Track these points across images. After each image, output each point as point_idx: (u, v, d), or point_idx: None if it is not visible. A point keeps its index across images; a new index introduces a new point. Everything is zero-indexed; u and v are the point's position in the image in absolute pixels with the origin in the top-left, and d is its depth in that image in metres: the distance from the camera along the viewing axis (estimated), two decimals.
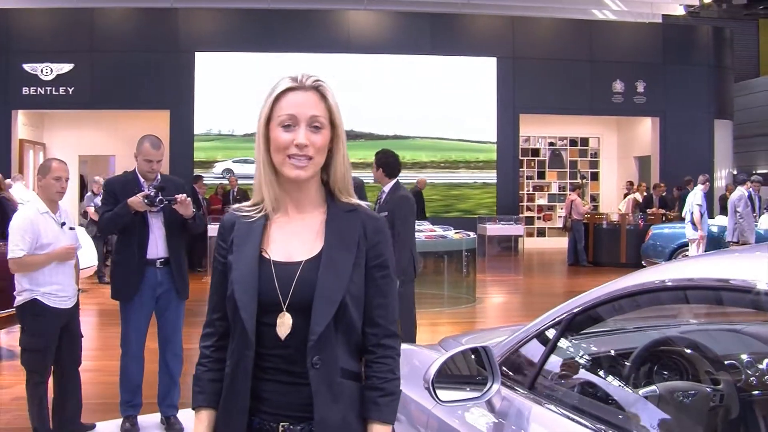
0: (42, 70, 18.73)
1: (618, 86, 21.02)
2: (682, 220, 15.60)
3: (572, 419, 2.50)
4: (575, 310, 2.71)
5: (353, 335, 2.19)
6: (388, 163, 7.38)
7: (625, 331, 3.24)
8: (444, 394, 2.67)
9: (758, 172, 24.16)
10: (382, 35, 20.08)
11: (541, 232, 23.54)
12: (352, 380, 2.20)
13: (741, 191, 13.21)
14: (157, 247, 5.70)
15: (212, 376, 2.26)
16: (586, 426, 2.43)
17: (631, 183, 21.11)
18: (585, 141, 23.76)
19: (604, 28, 21.50)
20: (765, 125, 26.47)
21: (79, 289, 5.69)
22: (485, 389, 2.65)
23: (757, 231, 13.36)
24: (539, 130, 22.94)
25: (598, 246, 18.53)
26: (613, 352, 3.05)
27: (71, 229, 5.57)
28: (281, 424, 2.14)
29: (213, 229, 15.45)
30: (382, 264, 2.24)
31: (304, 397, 2.11)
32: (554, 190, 23.72)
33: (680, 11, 23.60)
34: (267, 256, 2.20)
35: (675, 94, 21.10)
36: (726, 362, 2.76)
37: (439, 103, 20.09)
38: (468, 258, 12.67)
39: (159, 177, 5.79)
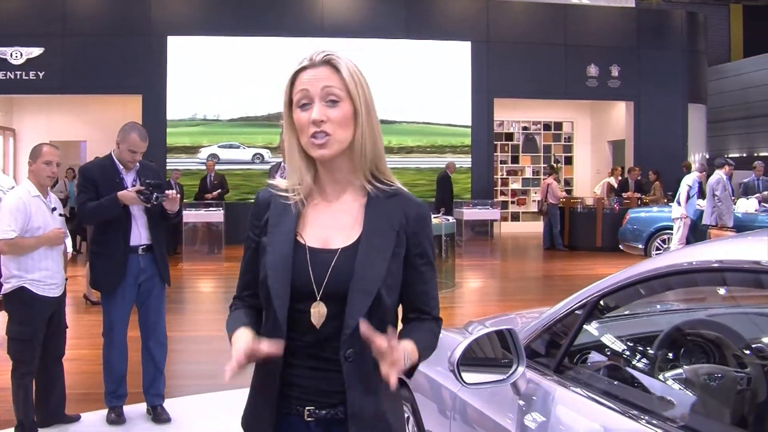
0: (11, 54, 18.33)
1: (592, 70, 21.01)
2: (663, 204, 15.75)
3: (598, 402, 2.48)
4: (601, 293, 2.68)
5: (387, 322, 2.09)
6: None
7: (651, 314, 3.23)
8: (469, 377, 2.66)
9: (730, 156, 24.34)
10: (357, 19, 19.90)
11: (515, 217, 23.59)
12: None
13: (719, 175, 13.26)
14: (140, 233, 5.59)
15: (244, 312, 2.21)
16: (612, 409, 2.41)
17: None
18: (559, 125, 23.82)
19: (579, 13, 21.48)
20: (737, 110, 26.65)
21: (66, 278, 5.54)
22: (510, 372, 2.63)
23: (735, 214, 13.39)
24: (513, 115, 22.95)
25: (573, 230, 18.56)
26: (639, 335, 3.01)
27: (61, 215, 5.44)
28: (307, 408, 2.09)
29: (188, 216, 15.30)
30: (423, 252, 2.18)
31: (333, 383, 2.06)
32: (528, 174, 23.75)
33: None
34: (302, 242, 2.12)
35: (649, 79, 21.14)
36: (753, 345, 2.69)
37: (412, 88, 19.98)
38: (447, 243, 12.61)
39: (137, 165, 5.67)
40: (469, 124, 20.65)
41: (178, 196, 5.67)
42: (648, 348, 2.81)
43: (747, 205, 13.97)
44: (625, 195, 18.49)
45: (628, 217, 15.34)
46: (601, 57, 21.03)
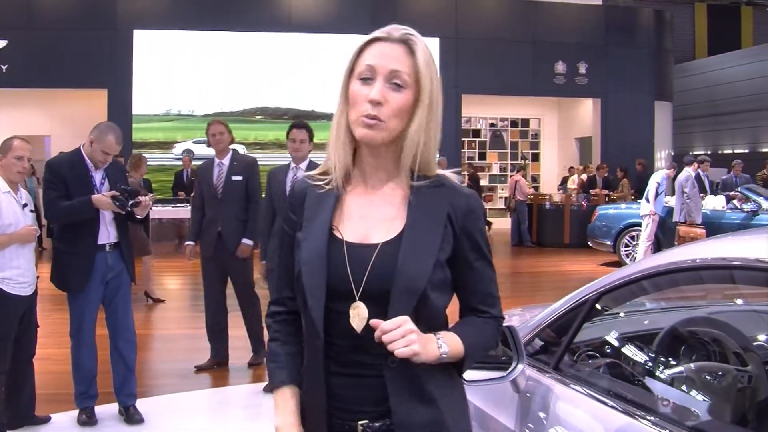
0: None
1: (560, 67, 21.09)
2: (630, 201, 15.82)
3: (598, 399, 2.44)
4: (602, 290, 2.64)
5: (436, 323, 1.94)
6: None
7: (651, 311, 3.20)
8: (468, 374, 2.55)
9: (695, 153, 24.55)
10: (324, 14, 19.77)
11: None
12: (443, 375, 1.97)
13: (688, 172, 13.31)
14: (107, 231, 5.49)
15: (290, 350, 2.05)
16: (612, 406, 2.38)
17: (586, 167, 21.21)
18: (526, 122, 23.89)
19: (547, 9, 21.51)
20: (701, 107, 26.90)
21: (37, 276, 5.39)
22: (510, 369, 2.55)
23: (704, 211, 13.46)
24: (480, 111, 22.96)
25: (541, 227, 18.60)
26: (639, 333, 2.98)
27: (32, 211, 5.29)
28: (360, 423, 1.92)
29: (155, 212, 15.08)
30: (475, 246, 1.99)
31: (378, 390, 1.89)
32: (495, 171, 23.75)
33: None
34: (339, 236, 1.95)
35: (616, 76, 21.25)
36: (755, 343, 2.69)
37: None
38: None
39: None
40: None
41: (151, 203, 5.59)
42: (648, 346, 2.77)
43: (715, 202, 14.04)
44: (592, 192, 18.56)
45: (597, 214, 15.37)
46: (568, 54, 21.10)
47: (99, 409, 5.62)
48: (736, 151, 24.98)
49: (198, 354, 7.12)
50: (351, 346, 1.90)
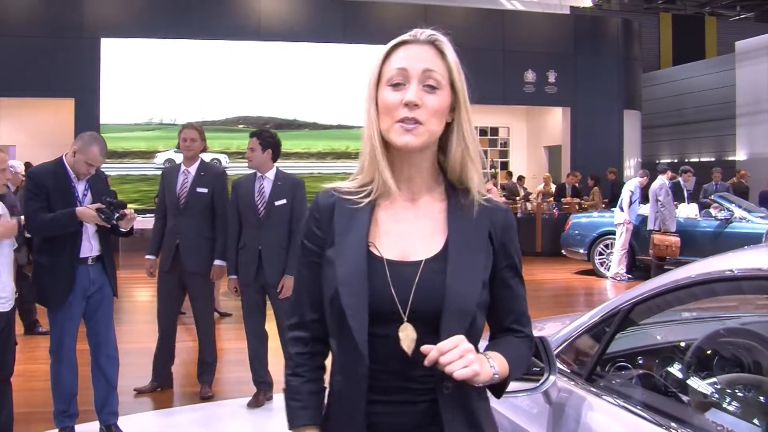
0: None
1: (530, 76, 21.14)
2: (602, 209, 15.83)
3: (631, 411, 2.40)
4: (634, 301, 2.59)
5: (476, 344, 1.83)
6: (276, 144, 6.28)
7: (684, 322, 3.17)
8: None
9: (662, 161, 24.71)
10: (294, 23, 19.66)
11: None
12: (482, 398, 1.89)
13: (662, 180, 13.35)
14: (90, 244, 5.31)
15: (313, 388, 1.93)
16: (645, 418, 2.33)
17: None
18: (495, 131, 23.93)
19: (517, 18, 21.58)
20: (668, 116, 27.10)
21: (16, 292, 5.18)
22: (542, 380, 2.49)
23: (678, 219, 13.50)
24: None
25: None
26: (672, 344, 2.96)
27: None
28: None
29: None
30: (512, 265, 1.93)
31: (420, 416, 1.79)
32: None
33: (587, 3, 23.89)
34: (378, 254, 1.82)
35: (585, 85, 21.37)
36: None
37: (348, 92, 19.83)
38: None
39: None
40: None
41: (136, 216, 5.39)
42: (681, 356, 2.72)
43: (688, 211, 14.09)
44: (564, 200, 18.57)
45: (571, 222, 15.36)
46: (538, 63, 21.16)
47: (79, 429, 5.43)
48: (702, 159, 25.19)
49: (179, 368, 6.94)
50: (393, 372, 1.78)
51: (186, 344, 6.59)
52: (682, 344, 2.83)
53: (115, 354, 5.50)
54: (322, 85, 19.61)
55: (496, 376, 1.79)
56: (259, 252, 6.04)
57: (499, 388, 1.88)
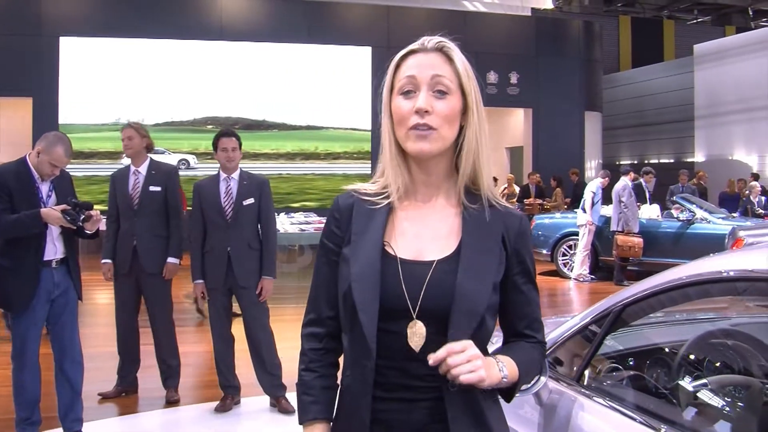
0: None
1: (492, 77, 21.16)
2: (564, 210, 15.89)
3: (620, 412, 2.43)
4: (624, 303, 2.61)
5: (483, 348, 1.86)
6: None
7: (674, 323, 3.19)
8: None
9: (622, 163, 24.93)
10: (256, 23, 19.53)
11: None
12: (491, 399, 1.91)
13: (625, 181, 13.41)
14: (54, 246, 5.17)
15: (325, 383, 1.96)
16: (635, 419, 2.36)
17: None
18: None
19: (479, 20, 21.61)
20: (628, 118, 27.34)
21: None
22: (533, 382, 2.51)
23: (640, 220, 13.58)
24: None
25: None
26: (662, 345, 2.99)
27: None
28: None
29: None
30: (525, 270, 1.96)
31: (425, 414, 1.82)
32: None
33: (548, 5, 24.02)
34: (392, 252, 1.87)
35: (547, 86, 21.47)
36: None
37: (315, 93, 19.77)
38: None
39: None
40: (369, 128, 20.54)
41: (102, 218, 5.26)
42: (672, 358, 2.75)
43: (650, 211, 14.18)
44: (526, 201, 18.63)
45: (534, 223, 15.38)
46: (500, 64, 21.20)
47: None
48: (661, 161, 25.43)
49: (145, 372, 6.80)
50: (400, 369, 1.83)
51: (151, 348, 6.46)
52: (673, 346, 2.85)
53: (80, 359, 5.37)
54: (291, 85, 19.56)
55: (505, 379, 1.82)
56: (227, 254, 5.93)
57: (509, 392, 1.91)
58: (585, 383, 2.66)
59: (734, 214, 15.00)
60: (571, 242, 14.36)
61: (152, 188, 6.28)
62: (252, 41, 19.13)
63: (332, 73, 19.83)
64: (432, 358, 1.71)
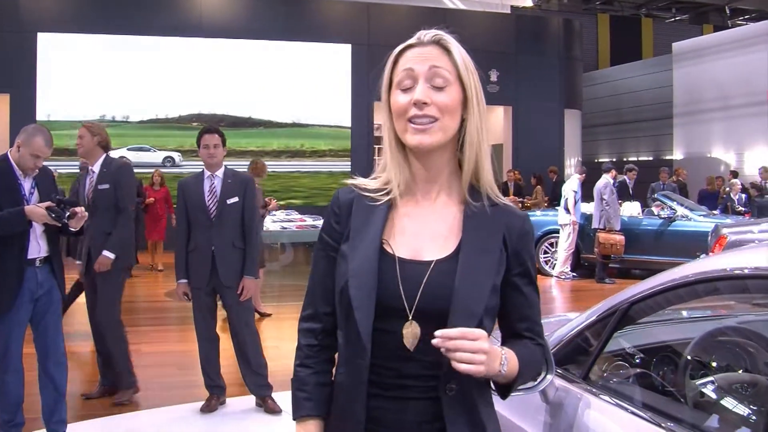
0: None
1: None
2: (548, 207, 15.88)
3: (627, 410, 2.42)
4: (631, 300, 2.60)
5: None
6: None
7: (681, 321, 3.19)
8: None
9: (601, 160, 24.99)
10: (236, 20, 19.40)
11: None
12: (484, 399, 1.88)
13: (606, 179, 13.44)
14: (38, 245, 5.06)
15: (320, 379, 1.93)
16: (642, 417, 2.35)
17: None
18: None
19: (459, 17, 21.57)
20: (606, 116, 27.44)
21: None
22: (539, 379, 2.43)
23: (622, 217, 13.61)
24: None
25: None
26: (669, 343, 2.98)
27: None
28: None
29: None
30: (526, 272, 1.92)
31: (420, 413, 1.80)
32: None
33: (528, 2, 24.05)
34: (390, 251, 1.84)
35: (527, 84, 21.50)
36: None
37: (297, 90, 19.71)
38: None
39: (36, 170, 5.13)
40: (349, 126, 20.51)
41: (87, 215, 5.15)
42: (678, 355, 2.74)
43: (631, 209, 14.22)
44: (506, 199, 18.54)
45: None
46: (480, 62, 20.27)
47: None
48: (640, 159, 25.53)
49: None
50: (395, 368, 1.80)
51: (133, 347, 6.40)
52: (680, 343, 2.84)
53: (64, 360, 5.26)
54: (274, 82, 19.47)
55: (503, 372, 1.78)
56: (212, 253, 5.85)
57: (506, 389, 1.88)
58: (592, 381, 2.66)
59: (715, 212, 15.07)
60: (552, 240, 14.36)
61: (101, 186, 6.10)
62: (232, 38, 19.02)
63: (313, 70, 19.75)
64: (442, 332, 1.67)
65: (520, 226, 1.90)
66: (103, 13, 18.23)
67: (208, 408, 5.99)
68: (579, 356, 2.81)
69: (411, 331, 1.77)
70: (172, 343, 8.41)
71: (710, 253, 10.01)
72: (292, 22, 19.74)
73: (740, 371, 2.55)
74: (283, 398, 5.99)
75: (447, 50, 1.86)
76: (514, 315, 1.93)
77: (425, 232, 1.86)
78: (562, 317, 3.48)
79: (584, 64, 26.32)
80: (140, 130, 18.57)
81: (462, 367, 1.66)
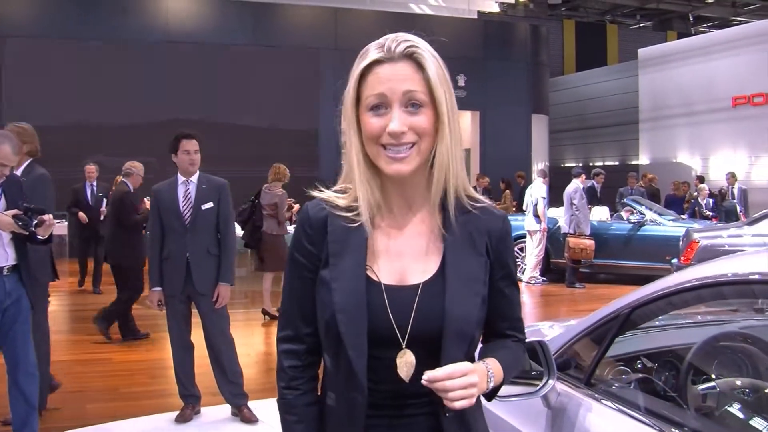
0: None
1: None
2: (513, 212, 15.89)
3: (629, 415, 2.40)
4: (633, 305, 2.58)
5: (472, 355, 1.82)
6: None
7: (683, 326, 3.19)
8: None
9: (567, 165, 25.13)
10: (203, 25, 19.31)
11: None
12: (477, 405, 1.86)
13: (576, 184, 13.47)
14: (5, 253, 4.92)
15: (308, 400, 1.87)
16: (644, 422, 2.33)
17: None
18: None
19: (427, 22, 21.61)
20: (572, 121, 27.59)
21: None
22: (541, 384, 2.44)
23: (591, 222, 13.65)
24: None
25: None
26: (671, 348, 2.98)
27: None
28: None
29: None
30: (508, 274, 1.88)
31: (420, 429, 1.78)
32: None
33: (494, 8, 24.14)
34: (375, 278, 1.76)
35: (494, 89, 21.58)
36: None
37: (264, 96, 19.60)
38: None
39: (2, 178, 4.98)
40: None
41: (55, 222, 5.01)
42: (680, 360, 2.72)
43: (600, 214, 14.28)
44: None
45: None
46: (448, 67, 20.78)
47: None
48: (606, 164, 25.67)
49: (95, 382, 6.58)
50: (391, 391, 1.76)
51: (97, 356, 6.27)
52: (682, 348, 2.84)
53: (34, 371, 5.11)
54: (240, 88, 19.30)
55: (491, 386, 1.79)
56: (186, 260, 5.74)
57: (491, 392, 1.86)
58: (594, 386, 2.65)
59: (683, 216, 15.18)
60: (522, 244, 14.34)
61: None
62: (199, 43, 18.88)
63: (280, 75, 19.65)
64: (428, 376, 1.64)
65: (499, 227, 1.84)
66: (69, 19, 18.08)
67: (182, 418, 5.87)
68: (581, 361, 2.80)
69: (405, 361, 1.72)
70: (143, 351, 8.27)
71: (681, 258, 10.08)
72: (260, 27, 19.66)
73: (742, 376, 2.54)
74: (258, 407, 5.92)
75: (420, 65, 1.73)
76: (497, 316, 1.89)
77: (407, 251, 1.80)
78: (564, 323, 3.45)
79: (550, 69, 26.48)
80: (111, 135, 18.28)
81: (456, 405, 1.64)
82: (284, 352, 1.88)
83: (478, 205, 1.83)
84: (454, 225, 1.79)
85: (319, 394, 1.89)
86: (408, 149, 1.71)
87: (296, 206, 10.56)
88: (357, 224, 1.77)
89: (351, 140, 1.77)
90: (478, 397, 1.83)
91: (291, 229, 11.73)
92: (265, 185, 10.15)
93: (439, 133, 1.75)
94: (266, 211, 9.90)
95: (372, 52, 1.74)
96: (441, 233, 1.80)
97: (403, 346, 1.72)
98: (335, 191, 1.84)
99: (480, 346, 1.92)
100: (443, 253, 1.78)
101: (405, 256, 1.79)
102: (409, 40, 1.75)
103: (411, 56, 1.73)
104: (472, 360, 1.79)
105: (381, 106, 1.71)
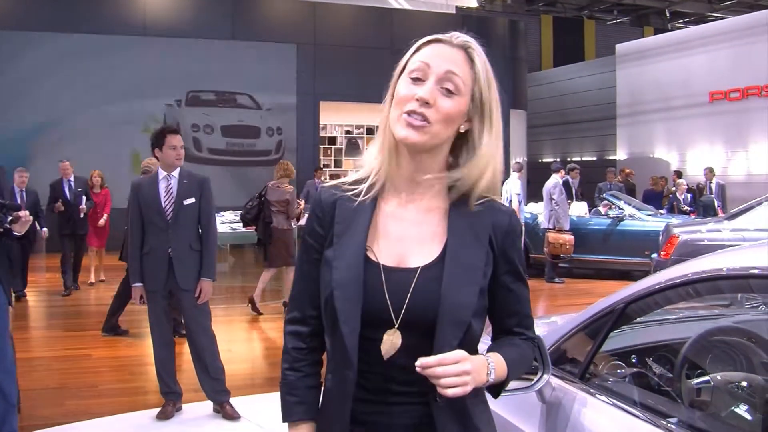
0: None
1: None
2: None
3: (624, 410, 2.40)
4: (628, 300, 2.58)
5: (472, 350, 1.78)
6: None
7: (677, 320, 3.18)
8: None
9: (545, 160, 25.20)
10: (180, 19, 19.15)
11: None
12: (479, 400, 1.85)
13: (556, 179, 13.51)
14: None
15: (310, 382, 1.92)
16: (638, 417, 2.33)
17: None
18: None
19: (406, 17, 21.58)
20: (550, 116, 27.64)
21: None
22: (536, 379, 2.43)
23: (570, 217, 13.69)
24: (336, 118, 22.75)
25: None
26: (665, 342, 2.99)
27: None
28: None
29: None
30: (513, 269, 1.87)
31: (409, 418, 1.78)
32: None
33: (472, 3, 24.14)
34: (374, 259, 1.79)
35: None
36: None
37: (242, 90, 19.57)
38: None
39: None
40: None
41: (31, 219, 4.94)
42: (675, 355, 2.75)
43: (579, 209, 14.32)
44: None
45: None
46: None
47: None
48: (584, 159, 25.76)
49: (78, 379, 6.52)
50: (382, 374, 1.78)
51: (77, 352, 6.20)
52: (676, 342, 2.85)
53: (12, 368, 5.02)
54: (217, 82, 19.25)
55: (491, 380, 1.77)
56: (168, 255, 5.69)
57: (496, 388, 1.86)
58: (588, 380, 2.66)
59: (661, 211, 15.25)
60: None
61: None
62: (176, 37, 18.75)
63: (257, 70, 19.58)
64: (421, 362, 1.64)
65: (506, 223, 1.84)
66: (45, 12, 17.89)
67: (164, 415, 5.82)
68: (576, 356, 2.80)
69: (390, 340, 1.74)
70: (123, 347, 8.20)
71: (661, 252, 10.11)
72: (238, 21, 19.57)
73: (736, 370, 2.54)
74: (240, 404, 5.88)
75: (471, 60, 1.79)
76: (504, 312, 1.90)
77: (409, 235, 1.81)
78: (559, 317, 3.46)
79: (528, 64, 26.53)
80: (89, 129, 18.14)
81: (448, 392, 1.64)
82: (290, 333, 1.93)
83: (486, 199, 1.83)
84: (459, 214, 1.80)
85: (323, 380, 1.90)
86: (422, 122, 1.72)
87: (302, 203, 10.66)
88: (364, 203, 1.81)
89: (386, 106, 1.81)
90: (481, 391, 1.82)
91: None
92: (271, 182, 10.15)
93: (474, 126, 1.80)
94: (275, 207, 9.91)
95: (435, 35, 1.81)
96: (446, 221, 1.81)
97: (396, 327, 1.74)
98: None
99: (489, 344, 1.92)
100: (446, 239, 1.79)
101: (407, 240, 1.81)
102: (469, 40, 1.81)
103: (466, 49, 1.79)
104: (474, 351, 1.79)
105: (419, 76, 1.75)
